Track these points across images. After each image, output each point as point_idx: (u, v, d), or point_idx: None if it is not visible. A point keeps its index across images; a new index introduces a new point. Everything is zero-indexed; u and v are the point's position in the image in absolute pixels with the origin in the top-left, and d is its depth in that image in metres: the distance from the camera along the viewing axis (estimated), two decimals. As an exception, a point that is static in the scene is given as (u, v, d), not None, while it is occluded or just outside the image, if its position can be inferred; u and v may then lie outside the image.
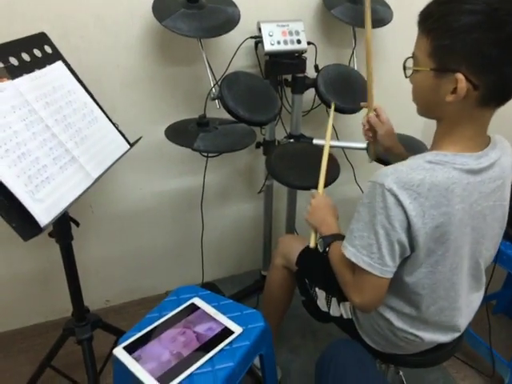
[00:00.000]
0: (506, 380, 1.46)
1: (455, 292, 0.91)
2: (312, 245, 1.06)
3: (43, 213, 0.87)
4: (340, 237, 0.99)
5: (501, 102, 0.78)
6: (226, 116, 1.34)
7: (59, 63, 1.10)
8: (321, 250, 1.02)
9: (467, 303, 0.96)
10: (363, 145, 1.55)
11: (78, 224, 1.14)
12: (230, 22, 1.30)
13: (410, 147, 1.55)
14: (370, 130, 1.16)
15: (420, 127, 1.89)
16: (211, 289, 1.69)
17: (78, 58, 1.34)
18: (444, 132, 0.84)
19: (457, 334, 0.99)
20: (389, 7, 1.59)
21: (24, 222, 0.84)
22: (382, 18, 1.55)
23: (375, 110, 1.14)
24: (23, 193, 0.84)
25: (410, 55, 0.84)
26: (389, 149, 1.14)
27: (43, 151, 0.92)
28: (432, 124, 0.90)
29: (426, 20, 0.78)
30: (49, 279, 1.66)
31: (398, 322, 0.94)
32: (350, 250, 0.85)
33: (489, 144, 0.84)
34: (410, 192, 0.77)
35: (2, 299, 1.64)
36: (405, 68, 0.85)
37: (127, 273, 1.80)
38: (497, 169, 0.83)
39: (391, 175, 0.78)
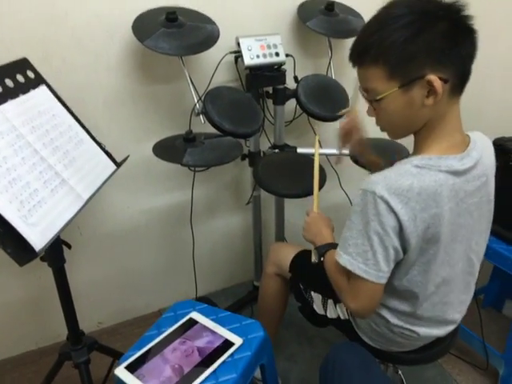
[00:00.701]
0: (500, 372, 1.50)
1: (445, 287, 0.94)
2: (313, 259, 1.06)
3: (37, 237, 0.86)
4: (334, 245, 1.01)
5: (463, 85, 0.82)
6: (211, 130, 1.36)
7: (43, 88, 1.10)
8: (316, 261, 1.04)
9: (462, 299, 0.99)
10: (346, 151, 1.59)
11: (69, 246, 1.13)
12: (210, 38, 1.32)
13: (391, 151, 1.61)
14: (346, 134, 1.18)
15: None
16: (205, 303, 1.70)
17: (60, 80, 1.34)
18: (425, 137, 0.86)
19: (451, 328, 1.02)
20: (361, 17, 1.64)
21: (18, 248, 0.83)
22: (354, 28, 1.60)
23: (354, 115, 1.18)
24: (16, 218, 0.84)
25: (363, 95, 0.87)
26: (360, 156, 1.20)
27: (33, 175, 0.92)
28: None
29: (367, 52, 0.81)
30: (39, 305, 1.63)
31: (394, 319, 0.97)
32: (345, 258, 0.87)
33: (469, 143, 0.87)
34: (401, 197, 0.79)
35: (-8, 329, 1.61)
36: (371, 103, 0.86)
37: (119, 293, 1.78)
38: (479, 167, 0.87)
39: (381, 182, 0.80)
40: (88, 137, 1.16)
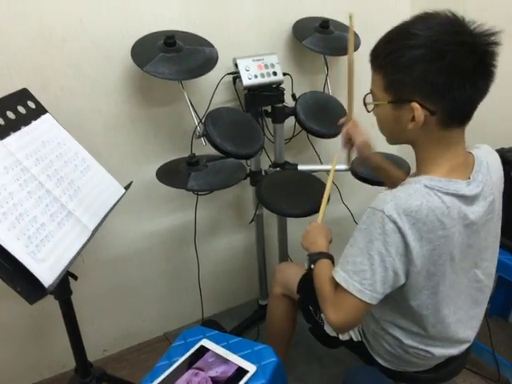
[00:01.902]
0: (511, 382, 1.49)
1: (458, 307, 0.93)
2: (306, 266, 1.06)
3: (46, 272, 0.85)
4: (325, 255, 1.01)
5: (463, 122, 0.83)
6: (211, 151, 1.36)
7: (47, 116, 1.10)
8: (306, 267, 1.03)
9: (472, 315, 0.98)
10: (346, 166, 1.60)
11: (76, 278, 1.11)
12: (209, 61, 1.33)
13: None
14: (348, 140, 1.22)
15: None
16: (212, 326, 1.68)
17: (59, 107, 1.34)
18: (423, 157, 0.87)
19: (466, 346, 1.01)
20: (356, 34, 1.66)
21: (28, 285, 0.82)
22: (350, 45, 1.61)
23: (353, 122, 1.22)
24: (25, 254, 0.82)
25: (369, 91, 0.89)
26: (366, 159, 1.20)
27: (40, 209, 0.91)
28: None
29: (376, 58, 0.84)
30: (43, 334, 1.60)
31: (408, 340, 0.96)
32: (341, 275, 0.86)
33: (473, 165, 0.87)
34: (409, 218, 0.79)
35: (-5, 361, 1.57)
36: (365, 104, 0.90)
37: (123, 319, 1.76)
38: (486, 188, 0.87)
39: (390, 202, 0.80)
40: (95, 162, 1.15)
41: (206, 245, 1.79)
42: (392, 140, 0.92)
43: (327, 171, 1.72)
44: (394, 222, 0.79)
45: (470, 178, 0.85)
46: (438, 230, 0.81)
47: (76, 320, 1.17)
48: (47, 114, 1.10)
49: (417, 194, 0.80)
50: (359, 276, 0.84)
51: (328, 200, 1.24)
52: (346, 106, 1.59)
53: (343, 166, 1.59)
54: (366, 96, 0.89)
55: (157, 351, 1.79)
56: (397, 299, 0.89)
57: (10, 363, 1.59)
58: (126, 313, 1.75)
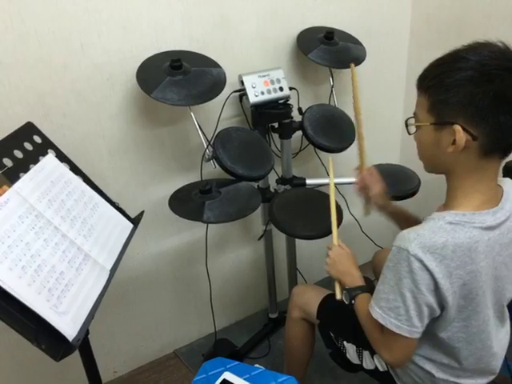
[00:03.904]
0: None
1: (490, 340, 0.93)
2: (339, 297, 1.06)
3: (69, 325, 0.82)
4: (365, 288, 1.01)
5: (504, 152, 0.82)
6: (218, 170, 1.33)
7: (50, 155, 1.05)
8: (346, 303, 1.02)
9: (499, 345, 0.98)
10: (353, 179, 1.58)
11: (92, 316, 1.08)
12: (218, 84, 1.29)
13: (401, 177, 1.61)
14: (363, 188, 1.21)
15: (397, 154, 1.97)
16: (225, 345, 1.67)
17: (63, 134, 1.31)
18: (455, 187, 0.86)
19: (493, 376, 1.01)
20: (360, 43, 1.63)
21: (52, 341, 0.79)
22: (355, 57, 1.58)
23: (369, 170, 1.20)
24: (47, 309, 0.80)
25: (412, 115, 0.89)
26: (382, 207, 1.19)
27: (58, 257, 0.88)
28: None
29: (423, 80, 0.83)
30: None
31: (439, 373, 0.96)
32: (377, 312, 0.87)
33: (502, 195, 0.87)
34: (435, 255, 0.79)
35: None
36: (407, 125, 0.89)
37: (132, 339, 1.74)
38: None
39: (414, 240, 0.80)
40: (102, 199, 1.12)
41: (213, 260, 1.77)
42: (430, 166, 0.91)
43: (335, 183, 1.72)
44: (420, 261, 0.79)
45: (498, 206, 0.84)
46: (467, 266, 0.81)
47: (92, 353, 1.14)
48: (50, 154, 1.05)
49: (441, 231, 0.80)
50: (394, 312, 0.84)
51: (340, 218, 1.23)
52: (355, 124, 1.58)
53: (351, 179, 1.58)
54: (408, 119, 0.88)
55: (167, 370, 1.77)
56: (428, 331, 0.89)
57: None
58: (135, 333, 1.73)
